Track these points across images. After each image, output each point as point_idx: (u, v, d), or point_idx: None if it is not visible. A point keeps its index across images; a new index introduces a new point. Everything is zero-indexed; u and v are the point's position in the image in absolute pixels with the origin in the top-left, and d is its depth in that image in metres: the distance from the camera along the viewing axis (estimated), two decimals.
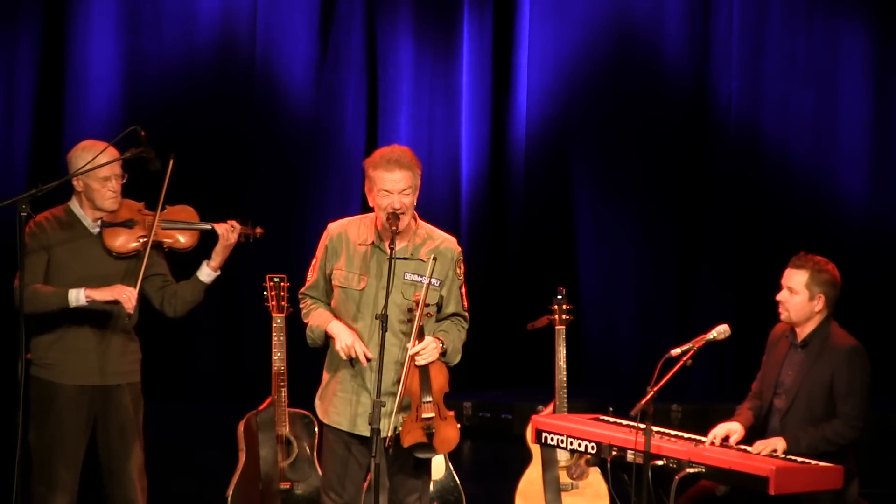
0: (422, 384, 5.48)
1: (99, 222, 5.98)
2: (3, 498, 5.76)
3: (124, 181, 5.98)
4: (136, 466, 6.07)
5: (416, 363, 5.46)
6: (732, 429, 6.06)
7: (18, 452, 5.55)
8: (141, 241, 5.93)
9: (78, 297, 5.82)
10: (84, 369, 5.93)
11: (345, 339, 5.48)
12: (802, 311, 6.07)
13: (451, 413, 5.60)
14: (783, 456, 5.76)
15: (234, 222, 6.02)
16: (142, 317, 6.07)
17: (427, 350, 5.46)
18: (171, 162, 5.96)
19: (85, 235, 5.98)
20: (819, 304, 6.05)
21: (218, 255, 6.03)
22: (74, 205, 6.00)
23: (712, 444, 5.93)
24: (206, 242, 6.06)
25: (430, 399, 5.49)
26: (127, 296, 5.78)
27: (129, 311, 5.78)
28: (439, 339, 5.53)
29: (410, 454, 5.53)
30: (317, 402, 5.67)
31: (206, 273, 6.04)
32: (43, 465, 5.95)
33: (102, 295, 5.81)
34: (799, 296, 6.05)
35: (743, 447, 5.90)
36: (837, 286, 6.09)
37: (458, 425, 5.66)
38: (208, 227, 6.02)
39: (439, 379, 5.52)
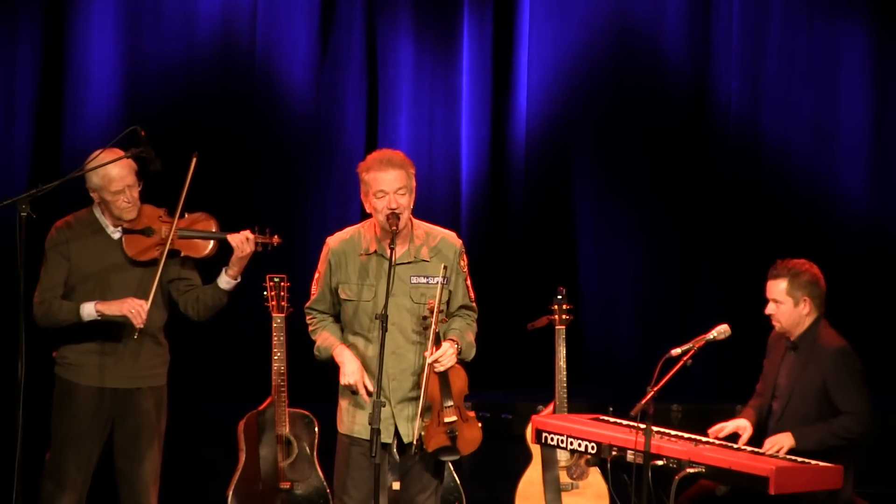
0: (442, 390, 5.53)
1: (119, 228, 6.01)
2: (4, 498, 5.77)
3: (140, 188, 6.00)
4: (151, 471, 6.08)
5: (436, 370, 5.49)
6: (741, 425, 6.08)
7: (19, 452, 5.56)
8: (159, 249, 5.96)
9: (90, 311, 5.86)
10: (103, 371, 5.96)
11: (349, 376, 5.51)
12: (792, 318, 6.10)
13: (472, 414, 5.66)
14: (785, 456, 5.78)
15: (249, 232, 6.04)
16: None
17: (445, 356, 5.50)
18: (194, 161, 6.00)
19: (105, 240, 6.01)
20: (806, 307, 6.08)
21: (234, 265, 6.07)
22: (96, 209, 6.03)
23: (716, 437, 5.95)
24: (228, 249, 6.08)
25: (451, 403, 5.55)
26: (136, 310, 5.81)
27: (138, 325, 5.82)
28: (454, 341, 5.56)
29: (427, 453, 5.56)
30: (338, 413, 5.70)
31: (225, 281, 6.09)
32: (55, 462, 5.98)
33: (111, 309, 5.85)
34: (784, 304, 6.09)
35: (752, 448, 5.91)
36: (820, 285, 6.12)
37: (480, 424, 5.70)
38: (224, 236, 6.05)
39: (458, 382, 5.58)
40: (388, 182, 5.51)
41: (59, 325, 5.89)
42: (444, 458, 5.59)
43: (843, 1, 9.86)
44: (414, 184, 5.59)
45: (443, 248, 5.64)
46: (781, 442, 5.88)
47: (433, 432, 5.52)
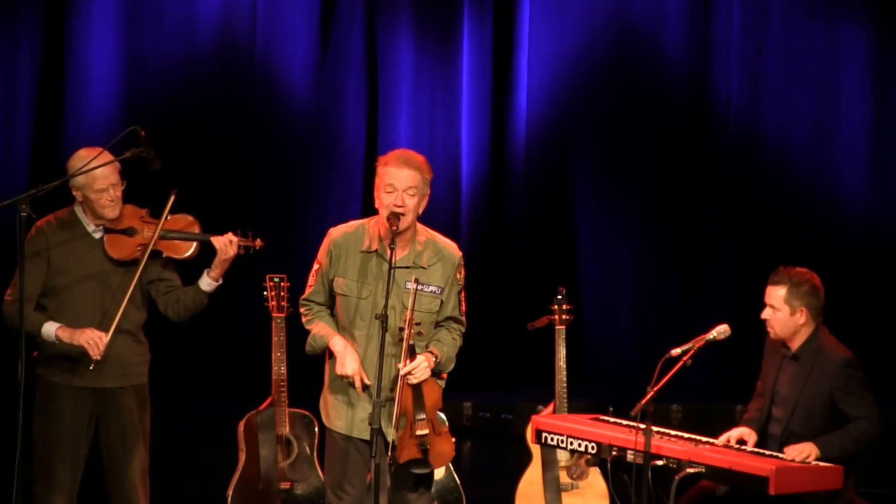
0: (415, 402, 5.50)
1: (101, 227, 5.99)
2: (4, 498, 5.76)
3: (123, 187, 5.99)
4: (139, 469, 6.08)
5: (409, 382, 5.47)
6: (746, 433, 6.06)
7: (18, 452, 5.55)
8: (140, 249, 5.95)
9: (49, 333, 5.86)
10: (85, 371, 5.94)
11: (348, 367, 5.50)
12: (787, 327, 6.08)
13: (446, 428, 5.63)
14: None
15: (232, 235, 6.03)
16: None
17: (418, 369, 5.47)
18: (173, 198, 5.99)
19: (87, 239, 6.00)
20: (802, 317, 6.05)
21: (217, 266, 6.05)
22: (78, 208, 6.02)
23: (725, 445, 5.93)
24: (210, 251, 6.07)
25: (424, 416, 5.51)
26: (93, 342, 5.80)
27: (94, 356, 5.80)
28: (432, 353, 5.54)
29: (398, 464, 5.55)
30: (320, 405, 5.70)
31: (207, 282, 6.07)
32: (43, 465, 5.97)
33: (70, 338, 5.84)
34: (781, 312, 6.06)
35: (752, 448, 5.90)
36: (819, 295, 6.09)
37: (454, 439, 5.68)
38: (207, 238, 6.04)
39: (432, 396, 5.54)
40: (400, 179, 5.49)
41: (22, 331, 5.84)
42: (415, 471, 5.57)
43: (843, 1, 9.87)
44: (428, 190, 5.57)
45: (443, 259, 5.62)
46: (807, 450, 5.85)
47: (405, 444, 5.50)
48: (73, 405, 5.97)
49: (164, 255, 6.05)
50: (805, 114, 9.88)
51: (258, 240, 6.13)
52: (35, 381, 6.02)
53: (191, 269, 6.16)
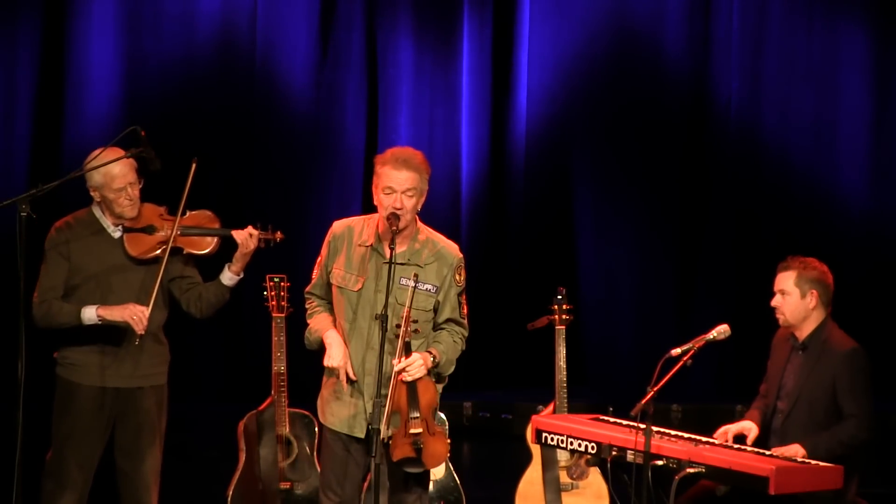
0: (409, 400, 5.49)
1: (120, 227, 6.00)
2: (4, 498, 5.77)
3: (141, 186, 6.00)
4: (152, 469, 6.09)
5: (403, 379, 5.46)
6: (746, 427, 6.07)
7: (19, 452, 5.56)
8: (161, 247, 5.96)
9: (91, 316, 5.86)
10: (104, 371, 5.96)
11: (334, 359, 5.51)
12: (797, 311, 6.09)
13: (440, 429, 5.62)
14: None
15: (252, 228, 6.05)
16: None
17: (413, 367, 5.46)
18: (194, 167, 6.00)
19: (106, 239, 6.01)
20: (812, 300, 6.07)
21: (238, 260, 6.07)
22: (96, 209, 6.03)
23: (724, 441, 5.93)
24: (231, 246, 6.08)
25: (418, 415, 5.50)
26: (137, 317, 5.81)
27: (139, 331, 5.81)
28: (431, 353, 5.53)
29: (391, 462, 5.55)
30: (318, 403, 5.71)
31: (228, 277, 6.09)
32: (56, 461, 5.98)
33: (113, 315, 5.85)
34: (791, 296, 6.08)
35: (753, 448, 5.91)
36: (828, 283, 6.11)
37: (448, 441, 5.68)
38: (227, 233, 6.05)
39: (427, 395, 5.53)
40: (398, 181, 5.49)
41: (59, 326, 5.90)
42: (409, 470, 5.56)
43: (843, 1, 9.87)
44: (426, 187, 5.57)
45: (441, 258, 5.61)
46: (794, 452, 5.85)
47: (399, 442, 5.49)
48: (92, 406, 5.98)
49: (184, 252, 6.07)
50: (805, 114, 9.88)
51: (278, 232, 6.16)
52: (54, 380, 6.04)
53: (211, 266, 6.17)
